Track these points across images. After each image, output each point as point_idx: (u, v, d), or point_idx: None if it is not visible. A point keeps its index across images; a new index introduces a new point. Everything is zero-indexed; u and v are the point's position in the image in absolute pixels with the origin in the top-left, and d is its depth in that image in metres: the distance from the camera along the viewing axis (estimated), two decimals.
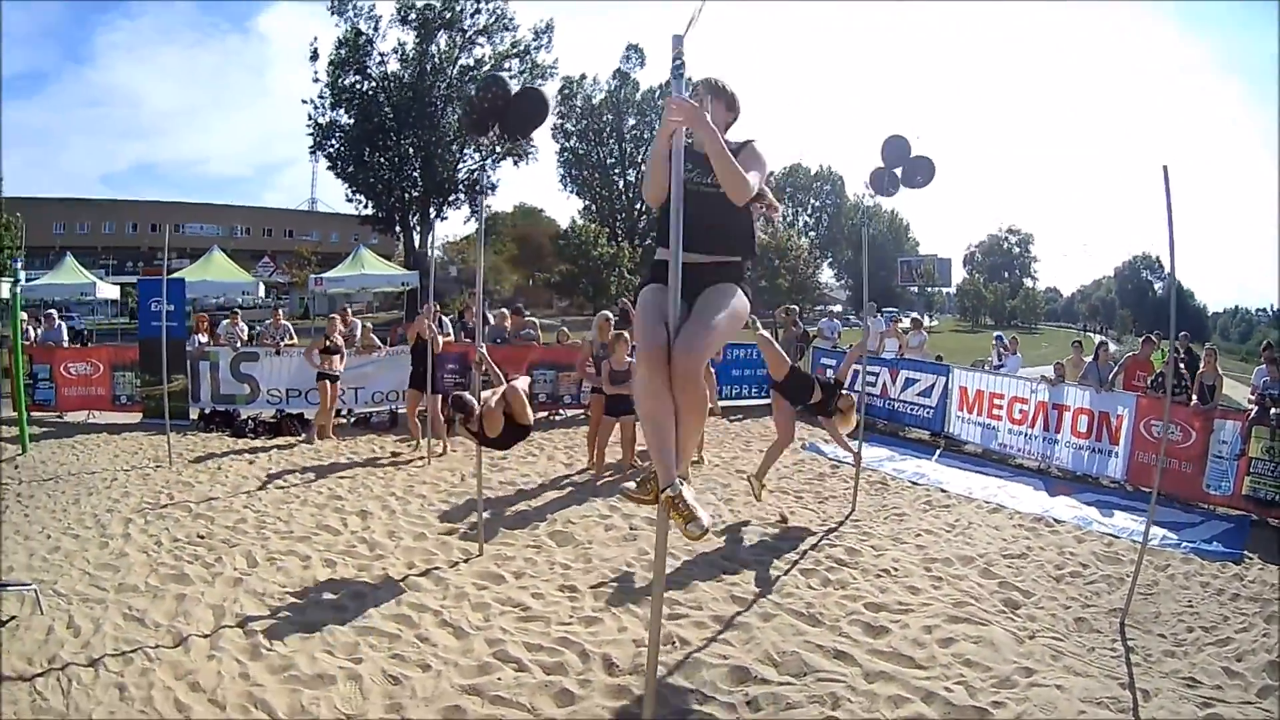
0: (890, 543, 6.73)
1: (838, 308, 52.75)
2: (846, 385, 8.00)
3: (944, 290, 78.41)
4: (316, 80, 44.25)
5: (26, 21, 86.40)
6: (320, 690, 4.19)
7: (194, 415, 12.03)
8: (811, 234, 70.19)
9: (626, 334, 9.95)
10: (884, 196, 8.13)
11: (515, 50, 46.59)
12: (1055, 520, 7.64)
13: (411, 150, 44.75)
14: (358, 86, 44.24)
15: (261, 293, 23.09)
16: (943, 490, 8.76)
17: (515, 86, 6.78)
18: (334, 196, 77.60)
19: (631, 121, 55.45)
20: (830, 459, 10.00)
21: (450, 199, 47.26)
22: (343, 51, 43.55)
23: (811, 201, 74.63)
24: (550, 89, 50.26)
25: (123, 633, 4.84)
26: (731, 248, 3.24)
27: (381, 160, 45.13)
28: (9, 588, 5.18)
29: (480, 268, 7.26)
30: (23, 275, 11.44)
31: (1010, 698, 4.13)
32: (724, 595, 5.50)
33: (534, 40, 47.14)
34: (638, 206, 55.66)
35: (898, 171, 11.63)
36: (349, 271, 23.66)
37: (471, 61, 46.17)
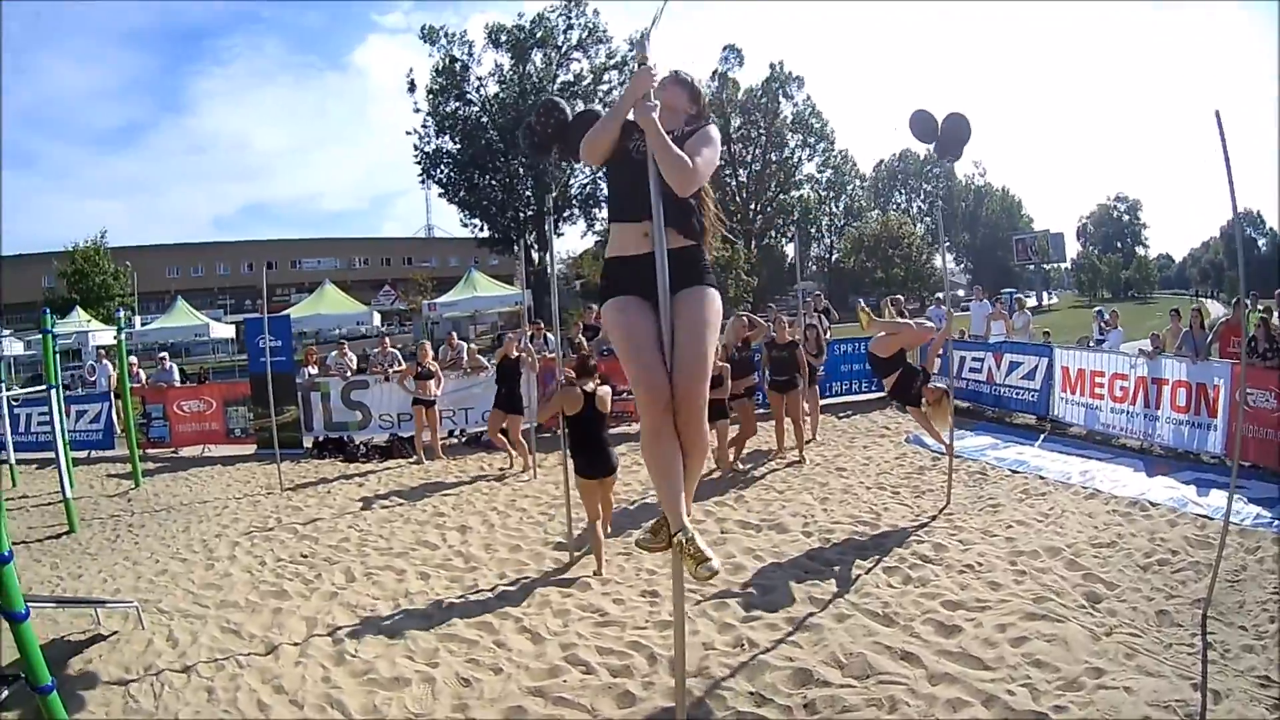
0: (980, 536, 6.57)
1: (961, 292, 51.29)
2: (935, 372, 7.86)
3: (1060, 266, 75.54)
4: (418, 110, 46.53)
5: (114, 76, 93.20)
6: (394, 692, 4.39)
7: (308, 444, 12.66)
8: (926, 219, 68.51)
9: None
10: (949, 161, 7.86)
11: (611, 62, 47.45)
12: (1150, 503, 7.28)
13: (521, 169, 46.09)
14: (460, 112, 46.16)
15: (377, 321, 24.10)
16: (1041, 478, 8.49)
17: (573, 107, 6.72)
18: (450, 221, 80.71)
19: (736, 122, 55.44)
20: (932, 451, 9.69)
21: (565, 214, 48.47)
22: (440, 80, 45.60)
23: (924, 187, 72.90)
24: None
25: (218, 643, 5.23)
26: (690, 228, 3.04)
27: (492, 182, 46.98)
28: (110, 605, 5.65)
29: (554, 285, 7.41)
30: (137, 321, 12.40)
31: (1074, 701, 3.92)
32: (803, 596, 5.47)
33: (629, 51, 47.96)
34: (752, 207, 55.97)
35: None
36: (461, 295, 24.57)
37: (570, 76, 47.63)
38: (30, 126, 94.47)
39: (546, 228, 10.06)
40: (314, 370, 13.55)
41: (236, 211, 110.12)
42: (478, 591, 5.97)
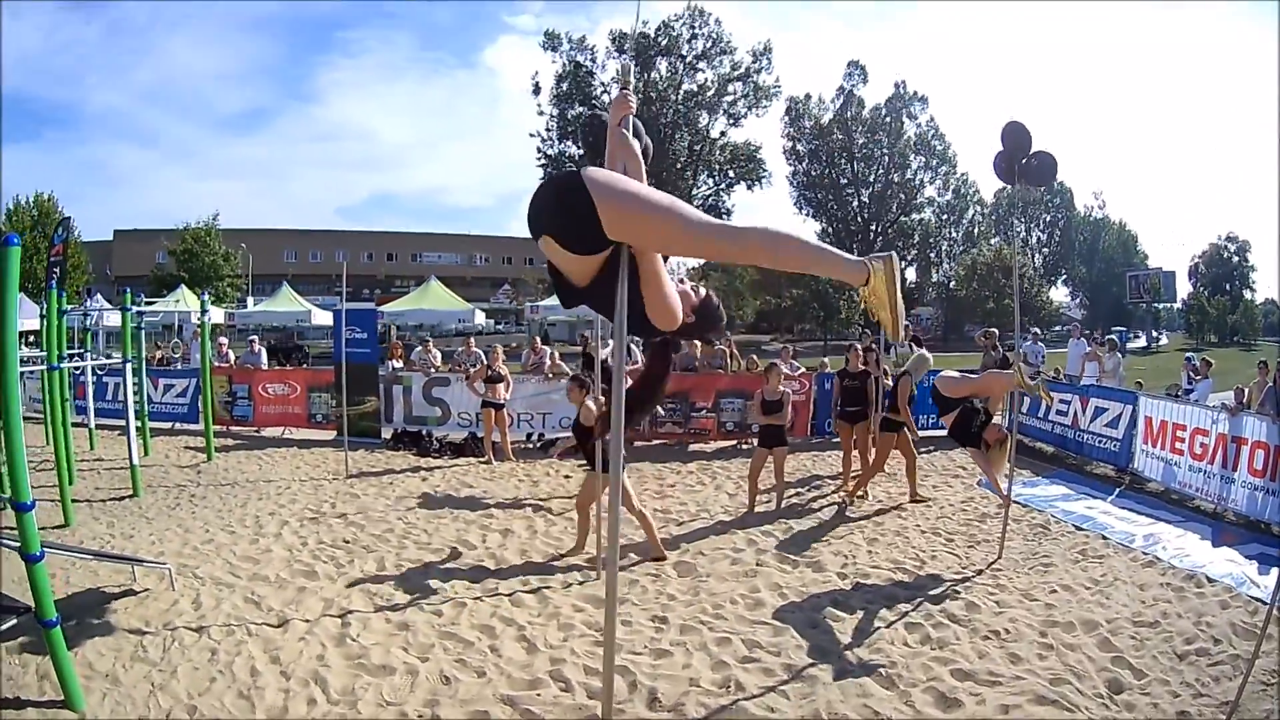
0: (1019, 599, 6.43)
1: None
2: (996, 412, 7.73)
3: (1171, 305, 71.96)
4: (541, 113, 48.31)
5: (238, 61, 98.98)
6: (377, 679, 4.74)
7: (386, 435, 13.33)
8: (1044, 250, 66.61)
9: (779, 361, 10.28)
10: (1005, 183, 7.62)
11: (736, 74, 48.22)
12: (1208, 579, 6.88)
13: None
14: (583, 118, 47.64)
15: (480, 320, 24.96)
16: (1104, 538, 8.18)
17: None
18: None
19: (861, 140, 55.39)
20: (1027, 504, 9.46)
21: None
22: (564, 85, 47.17)
23: (1043, 216, 70.88)
24: (778, 109, 51.94)
25: (237, 612, 5.74)
26: None
27: None
28: (146, 564, 6.28)
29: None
30: (250, 301, 13.32)
31: None
32: (811, 643, 5.48)
33: (753, 62, 48.76)
34: (872, 227, 56.15)
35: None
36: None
37: (695, 87, 48.67)
38: (152, 104, 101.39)
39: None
40: (398, 364, 14.29)
41: (362, 201, 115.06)
42: (495, 595, 6.26)
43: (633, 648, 5.35)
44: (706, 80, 49.40)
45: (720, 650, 5.29)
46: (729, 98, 50.15)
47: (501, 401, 12.03)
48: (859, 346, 10.86)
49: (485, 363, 12.50)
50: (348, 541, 7.65)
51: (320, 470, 11.19)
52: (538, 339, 16.00)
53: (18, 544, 4.19)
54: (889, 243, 56.82)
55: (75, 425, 11.08)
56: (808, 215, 58.91)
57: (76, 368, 12.44)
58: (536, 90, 48.71)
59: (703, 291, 3.15)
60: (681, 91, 48.55)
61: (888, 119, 55.70)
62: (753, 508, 9.24)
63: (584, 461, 8.58)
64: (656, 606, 6.13)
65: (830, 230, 57.00)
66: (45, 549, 4.36)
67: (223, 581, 6.32)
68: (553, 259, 2.76)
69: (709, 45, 48.49)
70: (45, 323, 9.84)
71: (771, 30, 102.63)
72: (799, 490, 10.16)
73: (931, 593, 6.54)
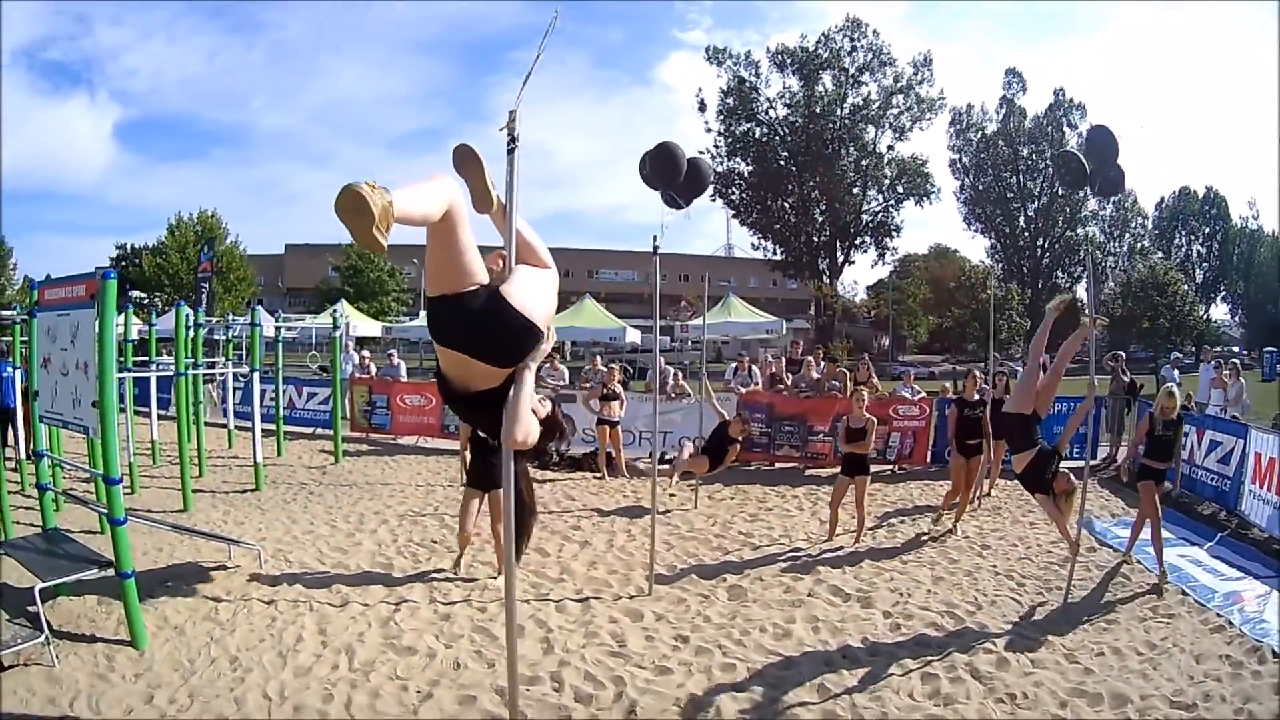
0: (1058, 660, 6.23)
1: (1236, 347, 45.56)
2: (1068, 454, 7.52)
3: None
4: (709, 130, 50.42)
5: (408, 84, 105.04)
6: (400, 657, 5.64)
7: None
8: (1205, 265, 61.89)
9: (864, 389, 10.55)
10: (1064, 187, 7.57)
11: (899, 86, 48.84)
12: (1275, 653, 6.32)
13: (814, 193, 48.37)
14: (751, 134, 48.99)
15: (633, 338, 26.15)
16: (1184, 593, 7.76)
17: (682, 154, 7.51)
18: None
19: (1025, 151, 54.10)
20: (1098, 540, 9.44)
21: (857, 242, 50.20)
22: (729, 100, 49.20)
23: (1203, 229, 65.68)
24: (941, 122, 52.04)
25: (308, 592, 6.86)
26: None
27: (785, 205, 49.94)
28: (241, 544, 7.63)
29: (655, 307, 8.22)
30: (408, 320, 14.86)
31: None
32: (813, 682, 5.70)
33: (914, 73, 49.18)
34: (1039, 243, 55.31)
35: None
36: (715, 319, 26.02)
37: (860, 100, 49.57)
38: (322, 124, 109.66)
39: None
40: None
41: (544, 218, 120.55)
42: (545, 600, 7.04)
43: (640, 661, 5.87)
44: (870, 93, 50.07)
45: (721, 675, 5.67)
46: (893, 110, 50.52)
47: (616, 419, 12.92)
48: (977, 373, 10.89)
49: (602, 381, 13.44)
50: (435, 542, 8.69)
51: (440, 477, 12.47)
52: (615, 367, 17.01)
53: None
54: (1056, 259, 56.26)
55: (216, 425, 12.90)
56: (976, 231, 58.77)
57: (206, 375, 14.29)
58: (702, 107, 50.89)
59: (549, 405, 3.81)
60: (847, 105, 49.21)
61: (1048, 128, 54.35)
62: (832, 536, 9.51)
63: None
64: (687, 626, 6.62)
65: (999, 246, 56.69)
66: (132, 517, 5.60)
67: (308, 566, 7.53)
68: (449, 364, 3.37)
69: (869, 58, 49.01)
70: (176, 334, 11.65)
71: (928, 41, 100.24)
72: (897, 520, 10.38)
73: (967, 643, 6.50)
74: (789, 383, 14.75)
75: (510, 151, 3.57)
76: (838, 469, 10.05)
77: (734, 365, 16.85)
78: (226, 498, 10.60)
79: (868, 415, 9.53)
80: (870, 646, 6.39)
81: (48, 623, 5.44)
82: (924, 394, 14.58)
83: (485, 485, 7.46)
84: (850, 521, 9.68)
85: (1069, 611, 7.27)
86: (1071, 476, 7.48)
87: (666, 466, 11.53)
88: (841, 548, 9.10)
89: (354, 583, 7.16)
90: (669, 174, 7.47)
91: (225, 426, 14.85)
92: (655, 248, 7.67)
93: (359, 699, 5.02)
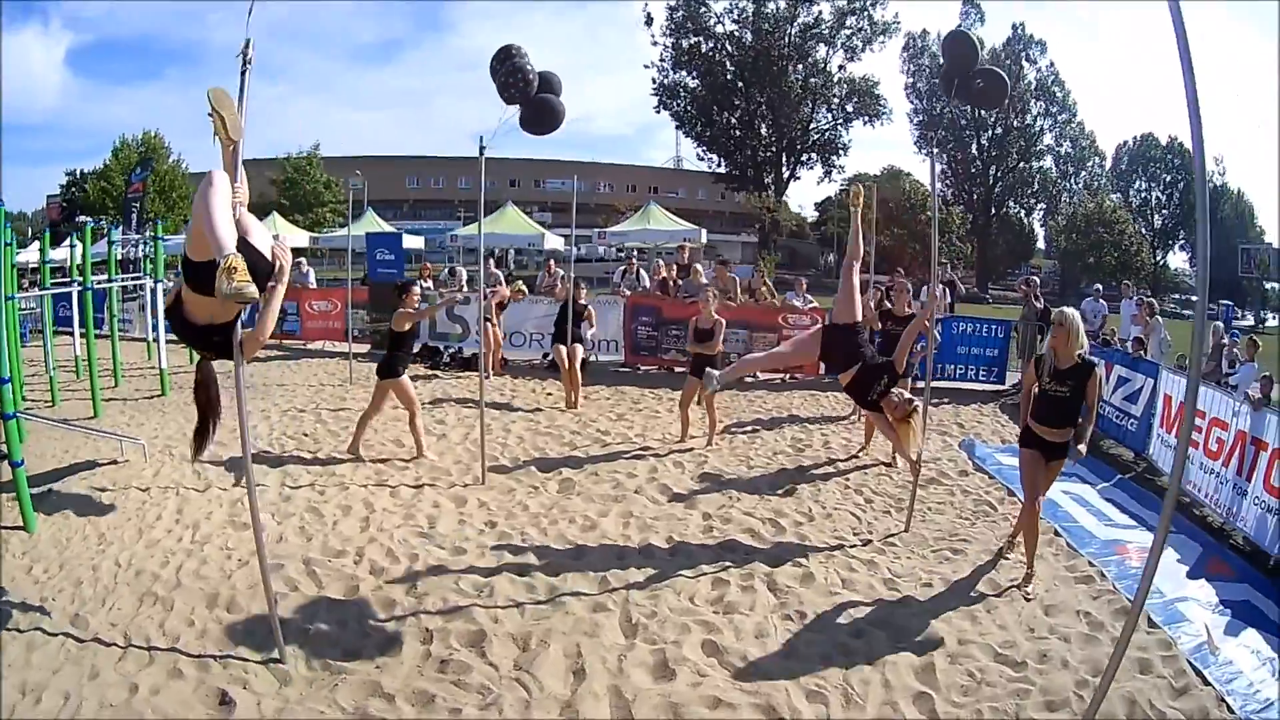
0: (875, 583, 6.07)
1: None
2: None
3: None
4: (655, 44, 52.00)
5: None
6: (235, 532, 6.89)
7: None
8: (1163, 211, 63.94)
9: (712, 290, 11.25)
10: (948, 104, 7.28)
11: (852, 6, 49.70)
12: (1150, 622, 5.46)
13: (761, 109, 50.02)
14: (697, 48, 49.90)
15: (550, 245, 27.23)
16: (1057, 533, 7.16)
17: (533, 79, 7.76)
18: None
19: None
20: (979, 463, 9.43)
21: (803, 159, 51.78)
22: (679, 14, 50.18)
23: (1164, 176, 67.48)
24: (895, 45, 53.94)
25: (181, 478, 8.20)
26: None
27: (730, 119, 51.67)
28: (125, 439, 9.09)
29: (480, 209, 9.07)
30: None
31: None
32: (596, 573, 6.11)
33: None
34: (992, 171, 56.37)
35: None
36: (634, 226, 27.38)
37: (811, 19, 50.50)
38: (278, 39, 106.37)
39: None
40: (428, 283, 16.66)
41: (506, 130, 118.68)
42: (382, 485, 8.17)
43: (441, 542, 6.69)
44: (822, 12, 50.81)
45: (511, 557, 6.39)
46: (846, 31, 51.26)
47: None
48: (908, 284, 10.90)
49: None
50: (307, 435, 9.96)
51: (333, 378, 13.91)
52: (552, 261, 18.44)
53: None
54: (1009, 189, 57.42)
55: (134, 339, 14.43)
56: (926, 155, 59.00)
57: (101, 289, 14.78)
58: (649, 21, 51.86)
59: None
60: (797, 24, 50.05)
61: (1006, 61, 54.44)
62: (685, 438, 10.00)
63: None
64: (502, 514, 7.39)
65: (951, 171, 57.30)
66: (21, 415, 7.15)
67: (183, 455, 8.72)
68: (204, 308, 4.27)
69: None
70: (81, 251, 12.61)
71: None
72: (763, 429, 11.01)
73: (782, 555, 6.48)
74: (678, 286, 15.67)
75: (242, 74, 4.44)
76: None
77: (621, 268, 18.02)
78: (135, 404, 11.87)
79: (716, 317, 10.01)
80: (673, 546, 6.68)
81: None
82: (815, 303, 15.50)
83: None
84: (703, 423, 10.27)
85: (913, 536, 7.05)
86: (910, 400, 6.70)
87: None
88: (692, 449, 9.67)
89: (221, 471, 8.31)
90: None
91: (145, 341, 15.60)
92: (481, 149, 7.98)
93: (189, 565, 6.08)
